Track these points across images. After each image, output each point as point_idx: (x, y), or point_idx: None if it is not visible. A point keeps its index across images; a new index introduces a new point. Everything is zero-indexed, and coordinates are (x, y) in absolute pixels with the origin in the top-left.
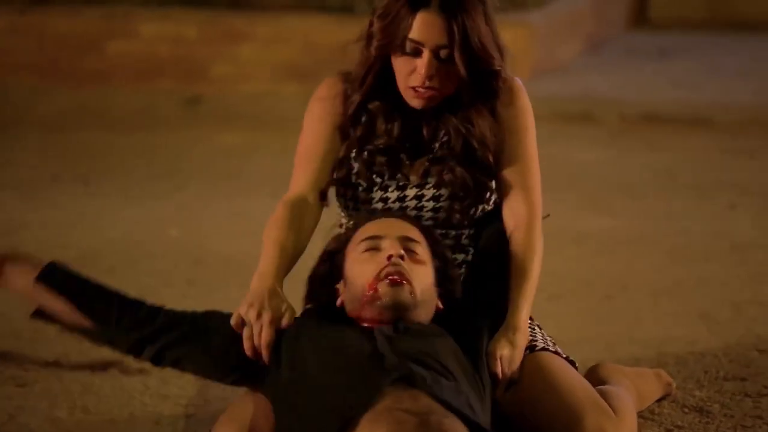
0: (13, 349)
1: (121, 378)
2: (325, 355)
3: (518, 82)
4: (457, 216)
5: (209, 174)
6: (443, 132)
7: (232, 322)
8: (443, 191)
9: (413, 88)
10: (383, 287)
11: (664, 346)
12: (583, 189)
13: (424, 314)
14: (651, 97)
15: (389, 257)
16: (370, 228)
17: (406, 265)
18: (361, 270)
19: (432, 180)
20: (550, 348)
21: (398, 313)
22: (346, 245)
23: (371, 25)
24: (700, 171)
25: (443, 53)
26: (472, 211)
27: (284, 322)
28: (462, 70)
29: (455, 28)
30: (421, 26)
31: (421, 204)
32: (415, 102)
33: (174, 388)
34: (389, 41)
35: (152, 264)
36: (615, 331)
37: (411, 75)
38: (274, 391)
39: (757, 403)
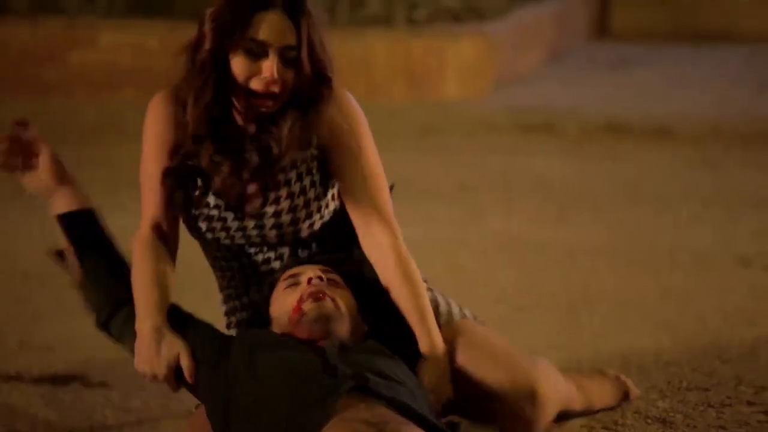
0: None
1: (83, 391)
2: (277, 369)
3: (348, 96)
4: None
5: None
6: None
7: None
8: (283, 205)
9: (253, 91)
10: (307, 305)
11: (627, 357)
12: (544, 200)
13: (353, 331)
14: (613, 108)
15: (309, 280)
16: (287, 273)
17: (326, 286)
18: (284, 301)
19: (270, 210)
20: (456, 313)
21: (326, 324)
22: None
23: (201, 28)
24: (662, 182)
25: (288, 54)
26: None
27: (183, 365)
28: (307, 71)
29: (303, 29)
30: (267, 26)
31: (262, 233)
32: (249, 110)
33: (136, 401)
34: (226, 40)
35: None
36: (579, 342)
37: (252, 78)
38: (226, 405)
39: (720, 414)
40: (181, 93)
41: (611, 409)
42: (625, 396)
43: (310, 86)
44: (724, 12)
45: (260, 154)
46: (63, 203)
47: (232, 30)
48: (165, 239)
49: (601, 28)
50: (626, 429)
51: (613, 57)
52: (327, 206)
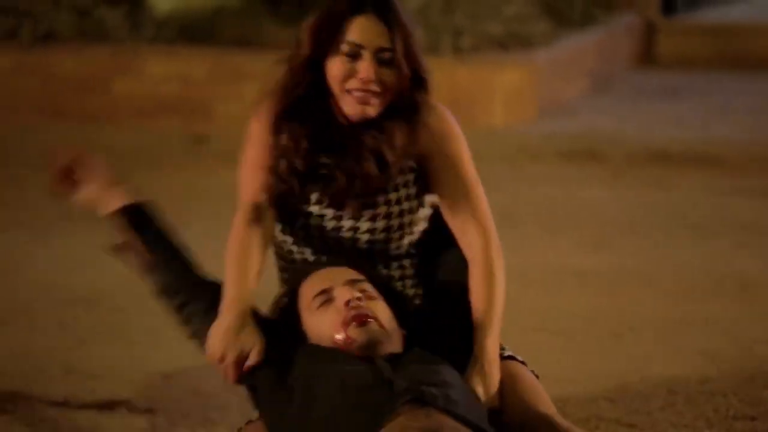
0: (22, 389)
1: (128, 417)
2: (335, 384)
3: (445, 109)
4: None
5: (215, 213)
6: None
7: (207, 359)
8: (379, 224)
9: (351, 91)
10: (353, 330)
11: (673, 385)
12: (587, 228)
13: (396, 344)
14: (656, 136)
15: (347, 302)
16: (314, 283)
17: (364, 304)
18: (323, 324)
19: (367, 214)
20: (518, 357)
21: (374, 350)
22: (293, 307)
23: (298, 39)
24: (705, 210)
25: (384, 55)
26: (406, 241)
27: (250, 362)
28: (405, 70)
29: (396, 31)
30: (361, 29)
31: (356, 236)
32: (352, 108)
33: (182, 427)
34: (323, 44)
35: (157, 304)
36: (623, 369)
37: (349, 79)
38: (281, 419)
39: None
40: (277, 101)
41: None
42: None
43: (409, 89)
44: None
45: (376, 162)
46: (117, 200)
47: (328, 35)
48: (261, 222)
49: (646, 56)
50: None
51: (657, 85)
52: (416, 224)
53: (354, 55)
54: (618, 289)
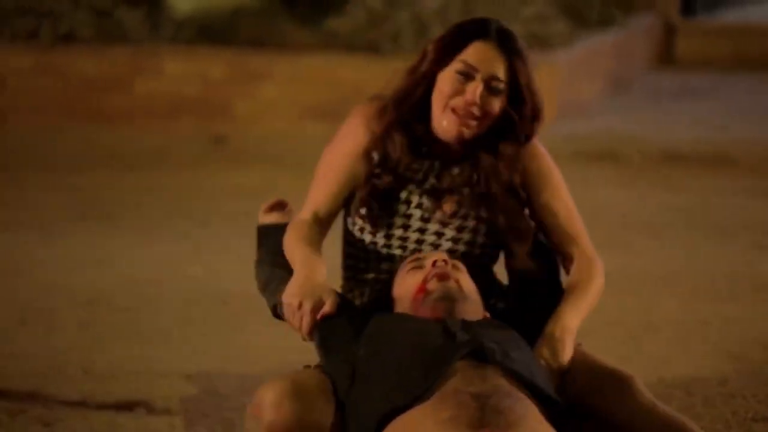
0: (38, 389)
1: (146, 418)
2: (398, 335)
3: (538, 142)
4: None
5: (231, 213)
6: (474, 172)
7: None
8: (464, 236)
9: (453, 109)
10: (432, 284)
11: (692, 387)
12: (605, 228)
13: (473, 312)
14: (674, 137)
15: (434, 263)
16: (412, 257)
17: (450, 269)
18: (408, 282)
19: (456, 222)
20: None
21: (449, 304)
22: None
23: (424, 50)
24: (723, 211)
25: (495, 84)
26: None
27: (326, 308)
28: (528, 109)
29: (514, 64)
30: (479, 53)
31: (439, 242)
32: (450, 126)
33: (201, 427)
34: (443, 59)
35: (173, 303)
36: (641, 371)
37: (455, 96)
38: (344, 366)
39: None
40: (388, 97)
41: None
42: None
43: (509, 124)
44: None
45: (481, 184)
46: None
47: (451, 51)
48: (321, 228)
49: (665, 57)
50: None
51: (676, 86)
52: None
53: (466, 76)
54: (635, 290)
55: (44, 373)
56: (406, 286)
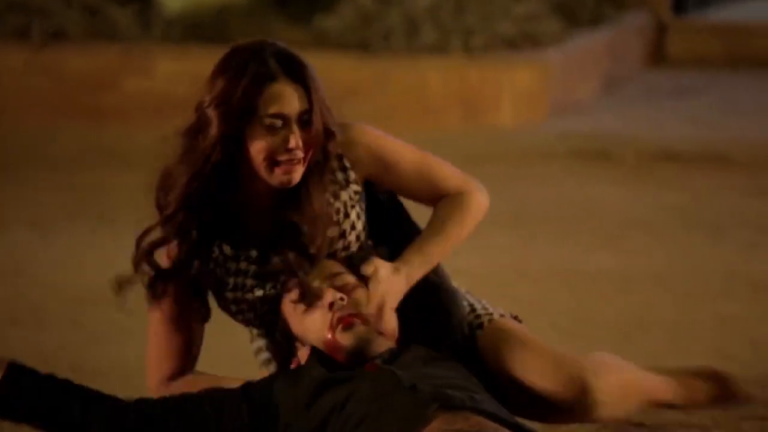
0: None
1: None
2: (359, 405)
3: (360, 126)
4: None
5: None
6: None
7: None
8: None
9: (280, 162)
10: (339, 334)
11: None
12: (599, 227)
13: (391, 332)
14: (668, 135)
15: (330, 305)
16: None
17: (346, 302)
18: (309, 327)
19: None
20: (495, 313)
21: (366, 349)
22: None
23: (202, 113)
24: (717, 209)
25: (305, 117)
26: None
27: None
28: (319, 131)
29: (312, 92)
30: (280, 98)
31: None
32: (283, 178)
33: None
34: (237, 121)
35: None
36: None
37: (277, 151)
38: None
39: None
40: (169, 180)
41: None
42: (730, 396)
43: (321, 145)
44: None
45: (298, 254)
46: None
47: (245, 111)
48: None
49: (657, 56)
50: None
51: (669, 84)
52: (363, 237)
53: (279, 127)
54: (629, 288)
55: None
56: (312, 332)
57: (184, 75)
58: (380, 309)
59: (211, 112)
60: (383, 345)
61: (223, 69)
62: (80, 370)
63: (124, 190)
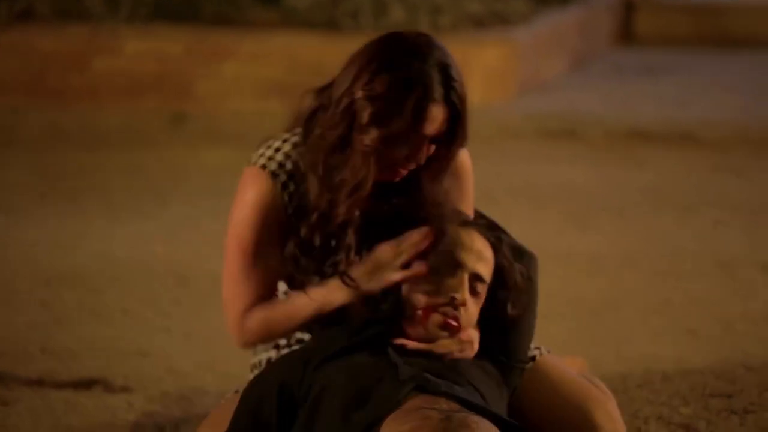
0: None
1: (104, 396)
2: (339, 377)
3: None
4: None
5: (194, 192)
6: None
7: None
8: None
9: (396, 165)
10: (434, 321)
11: (651, 364)
12: (567, 207)
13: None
14: (637, 114)
15: (453, 299)
16: (466, 243)
17: (463, 311)
18: (422, 290)
19: None
20: (537, 351)
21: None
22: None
23: (350, 108)
24: (686, 188)
25: (438, 136)
26: None
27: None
28: (455, 153)
29: (459, 120)
30: (432, 120)
31: None
32: (388, 176)
33: (158, 406)
34: (392, 136)
35: (136, 282)
36: (602, 349)
37: (398, 161)
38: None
39: (743, 420)
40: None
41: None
42: None
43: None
44: (748, 17)
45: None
46: None
47: (402, 130)
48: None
49: (625, 35)
50: None
51: (637, 63)
52: None
53: (414, 140)
54: (598, 267)
55: (2, 351)
56: (417, 292)
57: (153, 55)
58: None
59: (365, 114)
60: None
61: (385, 64)
62: (50, 350)
63: (94, 171)
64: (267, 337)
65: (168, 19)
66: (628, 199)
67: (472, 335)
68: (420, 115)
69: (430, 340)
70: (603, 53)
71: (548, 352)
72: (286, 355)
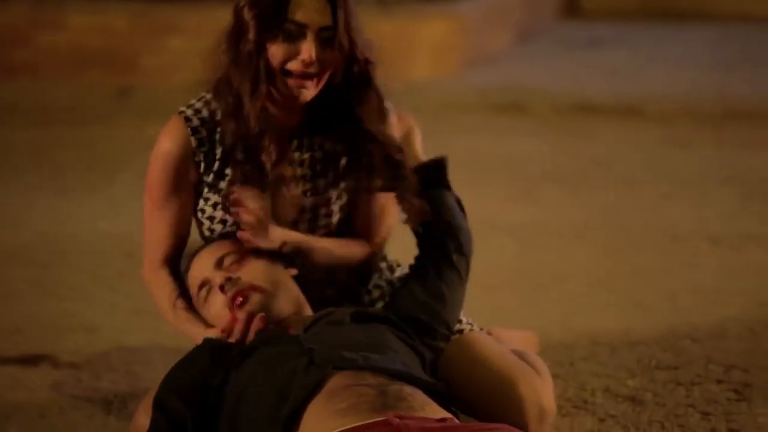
0: None
1: (52, 371)
2: (255, 374)
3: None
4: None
5: (140, 167)
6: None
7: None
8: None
9: (292, 72)
10: (238, 313)
11: (597, 336)
12: (515, 180)
13: (290, 298)
14: (583, 87)
15: (221, 287)
16: (193, 277)
17: (238, 282)
18: (215, 312)
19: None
20: (469, 326)
21: (270, 314)
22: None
23: (240, 17)
24: (632, 161)
25: (326, 34)
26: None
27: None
28: (345, 51)
29: (339, 9)
30: (305, 8)
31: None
32: (293, 91)
33: (105, 381)
34: (268, 24)
35: (83, 257)
36: (549, 321)
37: (290, 61)
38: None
39: (689, 392)
40: (224, 87)
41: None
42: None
43: (353, 71)
44: None
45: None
46: None
47: (273, 14)
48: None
49: (572, 8)
50: (596, 407)
51: (583, 37)
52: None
53: (296, 36)
54: (546, 241)
55: None
56: (218, 317)
57: (98, 29)
58: (260, 223)
59: (247, 14)
60: (286, 308)
61: None
62: None
63: (40, 146)
64: (155, 300)
65: None
66: (575, 171)
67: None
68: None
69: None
70: (549, 27)
71: (482, 330)
72: (194, 352)
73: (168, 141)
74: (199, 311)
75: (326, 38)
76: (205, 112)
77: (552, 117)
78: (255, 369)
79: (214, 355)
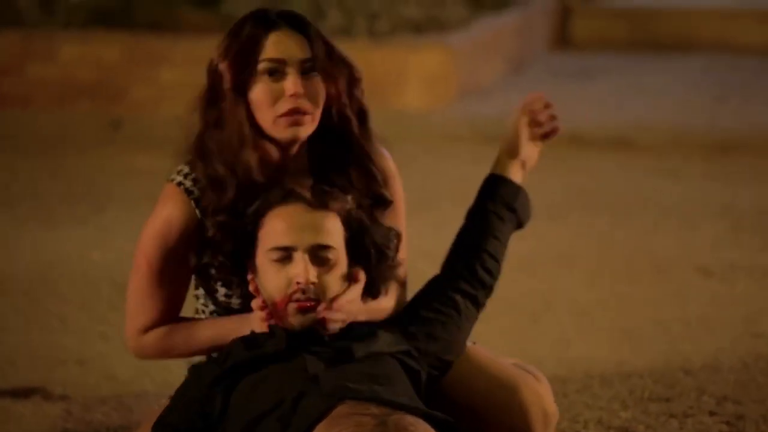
0: None
1: (43, 404)
2: (262, 394)
3: (382, 148)
4: None
5: (130, 197)
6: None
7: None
8: None
9: (284, 114)
10: (292, 311)
11: (590, 367)
12: None
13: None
14: (573, 118)
15: (298, 283)
16: (279, 231)
17: (317, 283)
18: (271, 282)
19: None
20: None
21: (309, 319)
22: (255, 229)
23: (213, 72)
24: (622, 192)
25: (307, 65)
26: None
27: None
28: (332, 78)
29: (315, 39)
30: (279, 44)
31: None
32: (289, 131)
33: (97, 414)
34: (243, 70)
35: (73, 288)
36: (540, 352)
37: (278, 102)
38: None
39: (682, 424)
40: (206, 147)
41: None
42: None
43: (342, 97)
44: (681, 21)
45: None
46: None
47: (246, 56)
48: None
49: (562, 39)
50: None
51: (573, 67)
52: None
53: (278, 73)
54: (535, 271)
55: None
56: (270, 284)
57: (89, 61)
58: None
59: (220, 65)
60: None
61: (228, 31)
62: None
63: (29, 176)
64: (163, 355)
65: (104, 24)
66: (564, 201)
67: (342, 301)
68: (258, 36)
69: (302, 326)
70: (540, 57)
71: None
72: (193, 374)
73: (170, 210)
74: (259, 243)
75: (309, 69)
76: (191, 182)
77: (541, 147)
78: (258, 395)
79: (210, 381)
